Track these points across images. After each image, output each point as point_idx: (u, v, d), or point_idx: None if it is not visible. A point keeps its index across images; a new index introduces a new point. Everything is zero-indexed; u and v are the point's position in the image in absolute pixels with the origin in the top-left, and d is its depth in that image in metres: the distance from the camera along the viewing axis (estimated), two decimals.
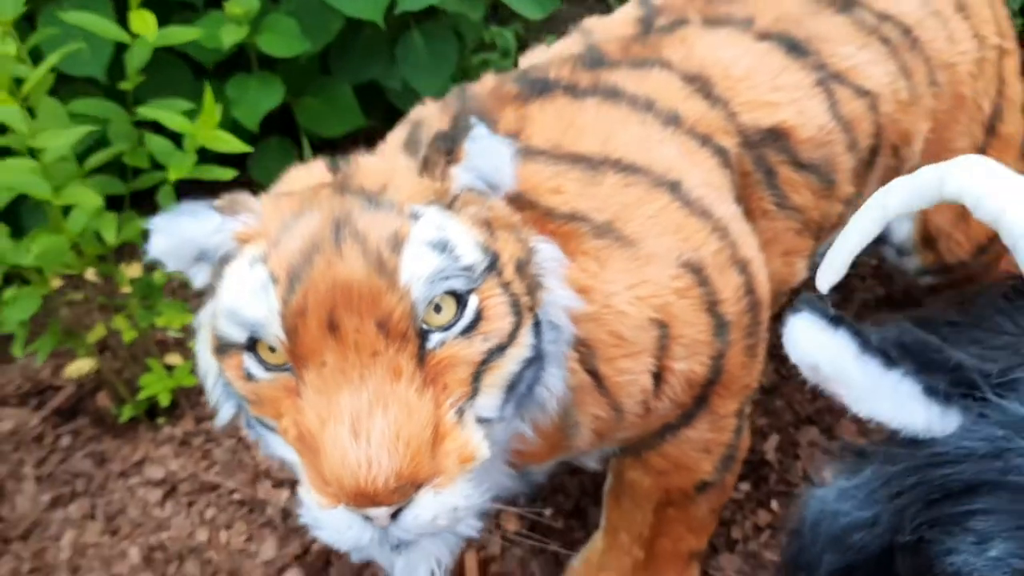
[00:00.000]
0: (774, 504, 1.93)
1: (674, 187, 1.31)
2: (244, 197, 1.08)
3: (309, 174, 1.16)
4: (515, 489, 1.37)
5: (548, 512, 1.92)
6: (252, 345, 1.00)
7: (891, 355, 0.73)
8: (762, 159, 1.44)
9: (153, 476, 2.07)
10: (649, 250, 1.27)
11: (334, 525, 0.96)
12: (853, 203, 1.62)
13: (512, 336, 1.03)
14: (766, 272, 1.43)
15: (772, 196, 1.46)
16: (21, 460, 2.21)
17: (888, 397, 0.75)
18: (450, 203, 1.06)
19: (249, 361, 1.01)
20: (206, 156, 1.79)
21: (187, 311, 2.07)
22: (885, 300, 2.32)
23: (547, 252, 1.13)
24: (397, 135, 1.33)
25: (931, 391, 0.74)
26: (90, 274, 1.97)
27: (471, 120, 1.08)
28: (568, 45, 1.51)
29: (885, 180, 1.60)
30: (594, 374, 1.24)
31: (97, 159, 1.81)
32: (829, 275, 0.95)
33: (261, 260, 1.00)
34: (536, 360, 1.09)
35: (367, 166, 1.09)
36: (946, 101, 1.64)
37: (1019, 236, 0.77)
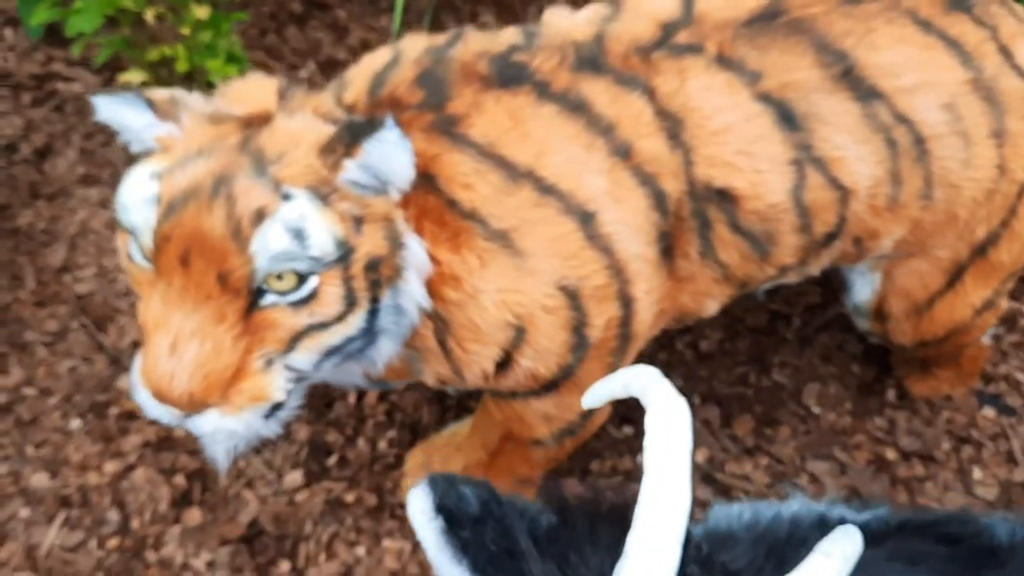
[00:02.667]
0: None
1: (586, 218, 1.39)
2: (181, 102, 1.23)
3: (259, 92, 1.28)
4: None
5: None
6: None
7: (467, 554, 0.87)
8: (701, 211, 1.49)
9: None
10: (533, 265, 1.38)
11: (143, 399, 1.20)
12: (793, 270, 1.66)
13: (339, 319, 1.21)
14: (652, 312, 1.53)
15: (700, 245, 1.52)
16: (74, 126, 2.51)
17: None
18: (328, 193, 1.19)
19: (132, 246, 1.22)
20: None
21: (238, 70, 2.24)
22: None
23: (414, 251, 1.26)
24: (359, 71, 1.41)
25: None
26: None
27: (385, 121, 1.17)
28: (589, 19, 1.51)
29: (840, 261, 1.64)
30: (443, 345, 1.42)
31: None
32: (590, 401, 1.07)
33: (158, 177, 1.17)
34: (367, 334, 1.27)
35: (280, 129, 1.21)
36: (936, 215, 1.62)
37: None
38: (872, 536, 1.33)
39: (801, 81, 1.46)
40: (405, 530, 1.99)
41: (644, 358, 2.22)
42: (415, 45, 1.44)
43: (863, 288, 1.83)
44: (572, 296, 1.41)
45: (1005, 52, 1.55)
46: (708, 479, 2.09)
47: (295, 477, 2.05)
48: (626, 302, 1.47)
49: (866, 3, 1.51)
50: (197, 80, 2.33)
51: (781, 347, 2.30)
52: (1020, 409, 2.22)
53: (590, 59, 1.44)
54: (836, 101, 1.48)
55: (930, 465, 2.14)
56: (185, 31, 2.22)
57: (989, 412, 2.22)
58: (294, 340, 1.20)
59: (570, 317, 1.43)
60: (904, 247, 1.68)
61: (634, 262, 1.45)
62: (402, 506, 2.00)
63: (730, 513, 1.30)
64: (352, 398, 2.17)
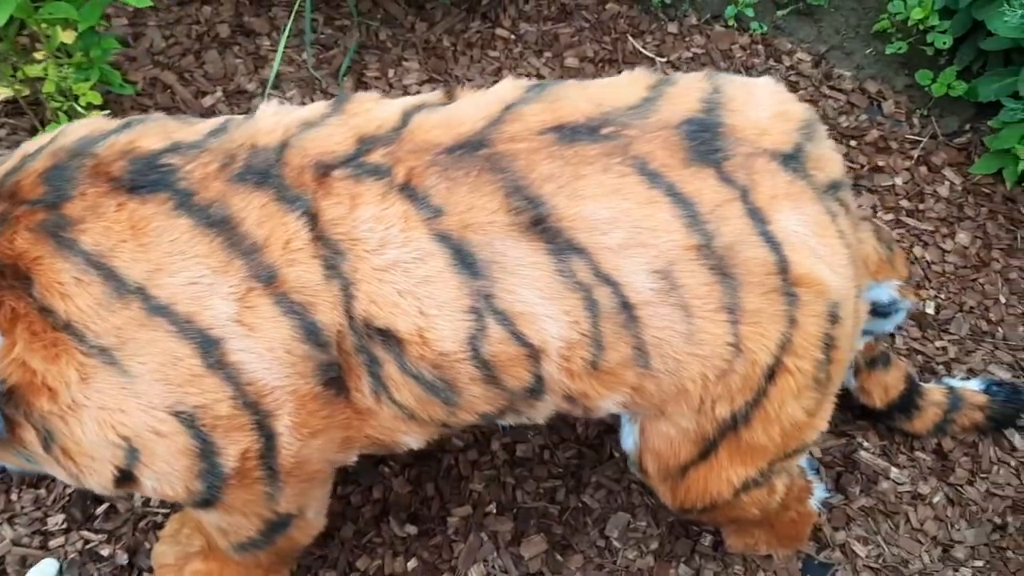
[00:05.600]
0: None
1: (208, 344, 1.28)
2: None
3: None
4: None
5: None
6: None
7: None
8: (366, 349, 1.35)
9: None
10: (141, 388, 1.28)
11: None
12: (509, 415, 1.51)
13: None
14: (311, 444, 1.40)
15: (372, 383, 1.39)
16: None
17: None
18: None
19: None
20: None
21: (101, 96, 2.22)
22: None
23: None
24: (15, 153, 1.34)
25: None
26: None
27: None
28: (293, 120, 1.39)
29: (564, 415, 1.48)
30: (49, 451, 1.33)
31: None
32: None
33: None
34: None
35: None
36: (662, 384, 1.43)
37: None
38: None
39: (484, 224, 1.30)
40: None
41: (450, 452, 2.10)
42: (75, 132, 1.35)
43: (628, 436, 1.65)
44: (189, 424, 1.30)
45: (756, 216, 1.35)
46: None
47: (56, 520, 2.01)
48: (267, 435, 1.36)
49: (584, 145, 1.33)
50: (68, 98, 2.31)
51: (603, 466, 2.12)
52: None
53: (260, 169, 1.32)
54: (524, 251, 1.31)
55: None
56: (43, 55, 2.20)
57: None
58: None
59: (190, 444, 1.32)
60: (639, 409, 1.50)
61: (274, 394, 1.33)
62: (150, 569, 1.93)
63: None
64: None
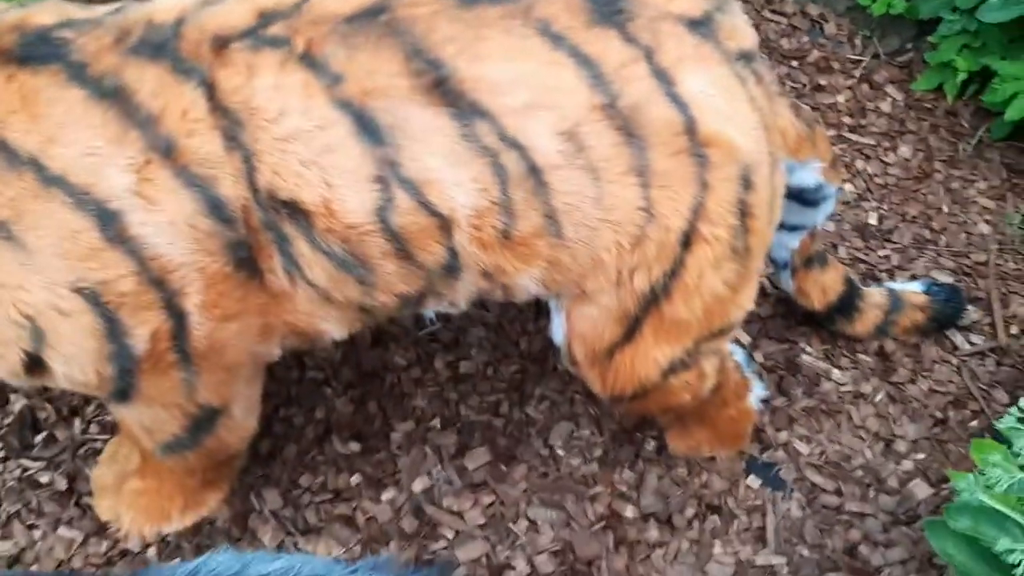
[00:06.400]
0: None
1: (106, 216, 1.26)
2: None
3: None
4: None
5: None
6: None
7: None
8: (274, 224, 1.34)
9: None
10: (40, 262, 1.26)
11: None
12: (429, 300, 1.50)
13: None
14: (225, 328, 1.39)
15: (283, 261, 1.38)
16: None
17: None
18: None
19: None
20: None
21: None
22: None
23: None
24: None
25: None
26: None
27: None
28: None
29: (485, 296, 1.47)
30: None
31: None
32: None
33: None
34: None
35: None
36: (576, 256, 1.42)
37: None
38: None
39: (386, 89, 1.29)
40: (84, 521, 1.90)
41: (392, 370, 2.09)
42: None
43: (557, 329, 1.64)
44: (93, 300, 1.29)
45: (662, 77, 1.34)
46: (418, 512, 1.93)
47: None
48: (176, 315, 1.34)
49: (484, 7, 1.32)
50: None
51: (546, 378, 2.12)
52: (791, 484, 1.98)
53: (155, 43, 1.30)
54: (428, 116, 1.30)
55: (666, 531, 1.93)
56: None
57: (754, 482, 1.98)
58: None
59: (96, 324, 1.31)
60: (558, 287, 1.49)
61: (180, 271, 1.31)
62: (90, 494, 1.91)
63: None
64: None
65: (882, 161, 2.54)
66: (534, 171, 1.33)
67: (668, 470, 2.00)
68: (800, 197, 1.74)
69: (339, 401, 2.08)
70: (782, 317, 2.23)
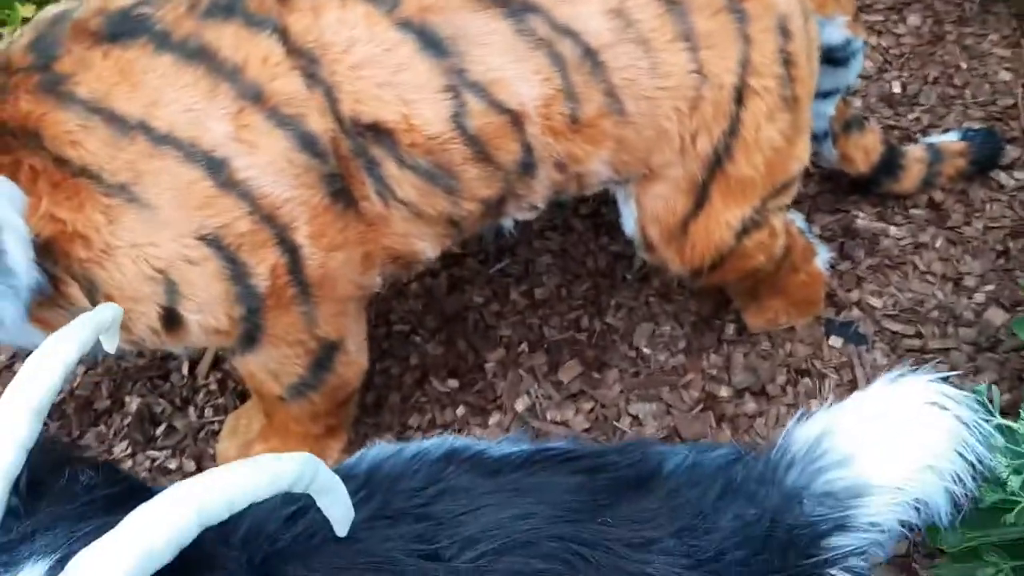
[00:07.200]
0: None
1: (214, 165, 1.37)
2: None
3: None
4: None
5: None
6: None
7: None
8: (362, 149, 1.45)
9: None
10: (164, 217, 1.38)
11: None
12: (510, 204, 1.60)
13: None
14: (335, 257, 1.49)
15: (374, 184, 1.48)
16: None
17: None
18: None
19: None
20: None
21: None
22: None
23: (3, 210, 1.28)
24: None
25: None
26: None
27: None
28: None
29: (560, 191, 1.57)
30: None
31: None
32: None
33: None
34: None
35: None
36: (641, 131, 1.52)
37: None
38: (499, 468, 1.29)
39: (440, 3, 1.40)
40: None
41: (473, 309, 2.19)
42: (50, 11, 1.45)
43: (628, 219, 1.74)
44: (216, 246, 1.40)
45: None
46: (525, 428, 2.03)
47: (121, 447, 2.11)
48: (289, 249, 1.45)
49: None
50: None
51: (618, 289, 2.21)
52: (872, 336, 2.06)
53: (224, 5, 1.42)
54: (483, 20, 1.40)
55: (762, 400, 2.02)
56: (8, 30, 2.30)
57: (836, 342, 2.07)
58: None
59: (221, 267, 1.42)
60: (628, 169, 1.59)
61: (287, 207, 1.42)
62: None
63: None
64: (185, 368, 2.22)
65: (893, 33, 2.62)
66: (589, 53, 1.43)
67: (752, 347, 2.09)
68: (830, 58, 1.83)
69: (429, 346, 2.19)
70: (830, 192, 2.32)
